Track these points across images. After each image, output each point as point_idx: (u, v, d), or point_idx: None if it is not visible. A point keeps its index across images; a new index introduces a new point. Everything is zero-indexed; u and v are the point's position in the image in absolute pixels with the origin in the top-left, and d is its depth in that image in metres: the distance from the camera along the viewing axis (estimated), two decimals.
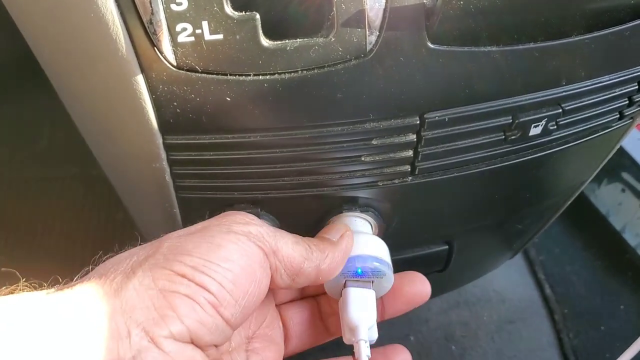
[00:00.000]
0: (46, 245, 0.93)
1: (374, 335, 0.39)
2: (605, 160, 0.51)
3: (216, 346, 0.31)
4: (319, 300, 0.43)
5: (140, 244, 0.33)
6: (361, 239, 0.40)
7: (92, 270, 0.31)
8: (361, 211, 0.42)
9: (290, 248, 0.33)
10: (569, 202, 0.57)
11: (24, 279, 0.30)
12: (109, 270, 0.29)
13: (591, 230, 0.94)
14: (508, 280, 0.88)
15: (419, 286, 0.42)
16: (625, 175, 0.90)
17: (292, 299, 0.42)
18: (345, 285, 0.39)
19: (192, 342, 0.28)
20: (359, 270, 0.38)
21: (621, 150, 0.90)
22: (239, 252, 0.30)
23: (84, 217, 0.97)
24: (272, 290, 0.34)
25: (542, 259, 0.91)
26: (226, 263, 0.30)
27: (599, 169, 0.52)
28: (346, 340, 0.39)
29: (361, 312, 0.38)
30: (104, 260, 0.31)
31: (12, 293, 0.29)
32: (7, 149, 1.08)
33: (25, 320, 0.26)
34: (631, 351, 0.50)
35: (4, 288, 0.29)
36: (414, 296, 0.42)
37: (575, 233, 0.95)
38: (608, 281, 0.89)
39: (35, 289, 0.30)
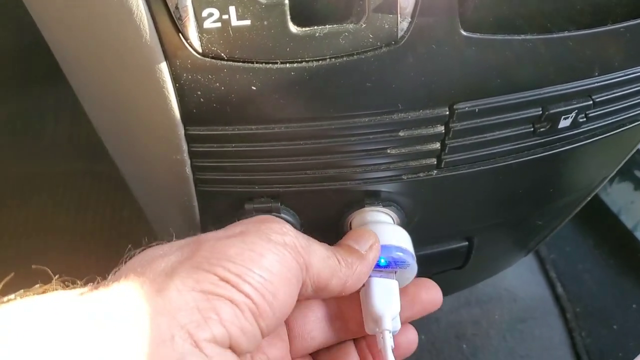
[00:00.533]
0: (51, 241, 0.92)
1: (398, 325, 0.39)
2: (629, 155, 0.50)
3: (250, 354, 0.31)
4: (327, 301, 0.42)
5: (153, 241, 0.32)
6: (384, 228, 0.39)
7: (122, 267, 0.30)
8: (383, 205, 0.41)
9: (322, 264, 0.33)
10: (589, 199, 0.56)
11: (57, 276, 0.29)
12: (145, 269, 0.29)
13: (603, 228, 0.93)
14: (519, 279, 0.87)
15: (433, 293, 0.42)
16: (638, 173, 0.89)
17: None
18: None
19: (230, 348, 0.28)
20: (383, 261, 0.38)
21: None
22: (280, 265, 0.30)
23: (89, 213, 0.96)
24: None
25: (554, 258, 0.90)
26: (268, 274, 0.29)
27: (621, 164, 0.51)
28: (369, 330, 0.39)
29: (385, 303, 0.38)
30: (131, 257, 0.30)
31: (45, 292, 0.28)
32: (11, 143, 1.07)
33: (63, 322, 0.25)
34: None
35: (37, 286, 0.28)
36: (429, 303, 0.42)
37: (586, 231, 0.94)
38: (620, 280, 0.88)
39: (68, 287, 0.29)
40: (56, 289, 0.28)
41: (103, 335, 0.25)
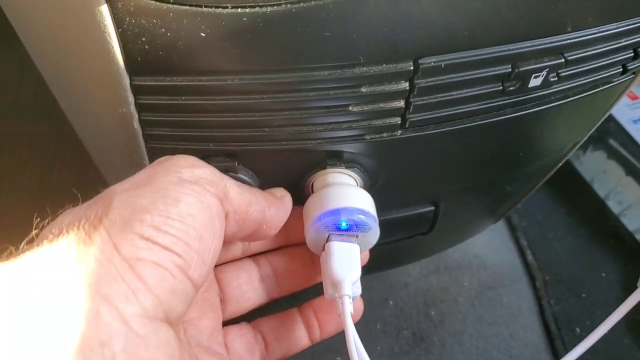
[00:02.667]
0: (13, 202, 0.89)
1: (358, 291, 0.38)
2: (601, 120, 0.49)
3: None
4: (257, 261, 0.41)
5: None
6: (346, 191, 0.37)
7: (36, 237, 0.27)
8: (346, 167, 0.39)
9: (237, 190, 0.32)
10: (559, 165, 0.55)
11: None
12: (57, 236, 0.26)
13: (575, 197, 0.93)
14: (489, 246, 0.87)
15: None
16: (612, 142, 0.89)
17: (229, 259, 0.41)
18: (328, 239, 0.37)
19: (166, 318, 0.25)
20: (344, 224, 0.36)
21: (608, 116, 0.88)
22: (199, 205, 0.28)
23: (53, 174, 0.93)
24: None
25: (525, 225, 0.90)
26: (188, 219, 0.27)
27: (593, 129, 0.50)
28: (328, 296, 0.37)
29: (345, 267, 0.36)
30: (44, 226, 0.27)
31: None
32: None
33: None
34: (612, 319, 0.49)
35: None
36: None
37: (558, 200, 0.93)
38: (590, 249, 0.88)
39: None
40: None
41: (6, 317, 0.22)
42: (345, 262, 0.37)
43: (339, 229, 0.37)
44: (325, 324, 0.41)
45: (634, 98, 0.89)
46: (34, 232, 0.28)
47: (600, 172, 0.91)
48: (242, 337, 0.39)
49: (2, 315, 0.22)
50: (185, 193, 0.28)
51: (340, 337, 0.39)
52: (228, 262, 0.41)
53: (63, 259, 0.24)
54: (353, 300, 0.36)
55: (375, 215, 0.38)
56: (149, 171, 0.30)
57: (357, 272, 0.37)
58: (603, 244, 0.88)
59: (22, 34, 0.36)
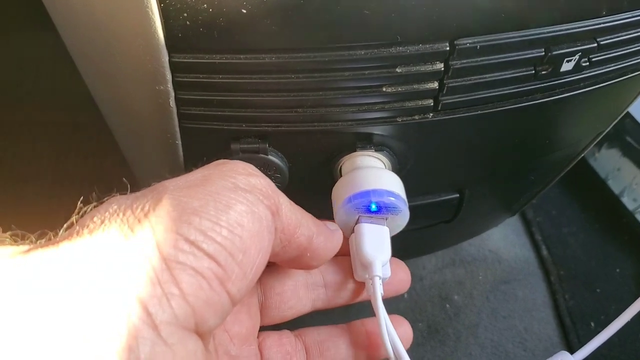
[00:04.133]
0: (30, 191, 0.90)
1: (388, 273, 0.38)
2: (625, 110, 0.49)
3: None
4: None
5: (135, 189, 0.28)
6: (376, 173, 0.38)
7: (76, 223, 0.25)
8: (375, 150, 0.39)
9: (289, 208, 0.30)
10: (579, 158, 0.55)
11: (9, 232, 0.25)
12: (99, 225, 0.24)
13: (589, 193, 0.93)
14: (504, 241, 0.87)
15: (401, 274, 0.40)
16: (627, 139, 0.89)
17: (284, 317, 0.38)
18: (358, 222, 0.37)
19: (196, 329, 0.24)
20: (374, 206, 0.36)
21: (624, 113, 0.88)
22: (249, 216, 0.26)
23: (70, 163, 0.94)
24: None
25: (540, 220, 0.90)
26: (237, 228, 0.25)
27: (617, 119, 0.50)
28: (358, 277, 0.38)
29: (376, 248, 0.36)
30: (88, 212, 0.26)
31: None
32: None
33: None
34: (627, 314, 0.49)
35: None
36: (395, 286, 0.39)
37: (573, 195, 0.93)
38: (605, 244, 0.88)
39: (16, 242, 0.25)
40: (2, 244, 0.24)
41: (27, 314, 0.21)
42: (376, 244, 0.37)
43: (369, 210, 0.37)
44: (376, 347, 0.38)
45: None
46: (74, 217, 0.27)
47: (615, 169, 0.91)
48: (280, 347, 0.36)
49: (7, 317, 0.21)
50: (238, 200, 0.26)
51: None
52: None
53: (102, 253, 0.23)
54: (383, 281, 0.37)
55: (405, 198, 0.38)
56: (204, 172, 0.28)
57: (388, 254, 0.37)
58: (617, 240, 0.88)
59: (55, 12, 0.37)
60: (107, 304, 0.22)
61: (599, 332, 0.43)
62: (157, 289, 0.23)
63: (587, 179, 0.93)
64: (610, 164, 0.92)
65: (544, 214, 0.90)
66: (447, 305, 0.80)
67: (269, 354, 0.36)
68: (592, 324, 0.78)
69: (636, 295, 0.47)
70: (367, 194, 0.37)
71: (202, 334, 0.25)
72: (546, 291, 0.83)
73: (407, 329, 0.39)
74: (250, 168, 0.29)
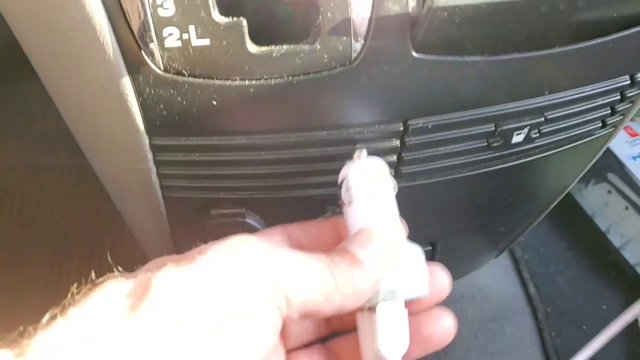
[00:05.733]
0: (36, 234, 0.93)
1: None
2: (588, 167, 0.52)
3: None
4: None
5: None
6: None
7: (66, 309, 0.23)
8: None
9: (309, 287, 0.26)
10: (553, 205, 0.58)
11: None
12: (90, 315, 0.23)
13: (577, 230, 0.95)
14: (492, 278, 0.89)
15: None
16: (612, 177, 0.91)
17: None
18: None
19: None
20: None
21: (608, 152, 0.90)
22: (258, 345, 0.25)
23: (75, 207, 0.97)
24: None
25: (527, 258, 0.92)
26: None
27: (581, 174, 0.53)
28: None
29: (391, 337, 0.29)
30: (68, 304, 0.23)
31: None
32: None
33: None
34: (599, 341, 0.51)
35: None
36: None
37: (560, 233, 0.96)
38: (591, 281, 0.90)
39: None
40: None
41: None
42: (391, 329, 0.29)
43: None
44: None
45: (634, 135, 0.92)
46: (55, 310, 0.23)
47: (602, 205, 0.94)
48: None
49: None
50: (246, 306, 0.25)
51: None
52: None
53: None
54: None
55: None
56: (207, 261, 0.25)
57: (405, 343, 0.30)
58: (604, 277, 0.90)
59: (53, 95, 0.40)
60: None
61: None
62: None
63: (574, 215, 0.96)
64: (597, 201, 0.95)
65: (531, 252, 0.93)
66: None
67: None
68: None
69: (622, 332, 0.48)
70: None
71: None
72: (534, 328, 0.85)
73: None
74: (255, 251, 0.26)
